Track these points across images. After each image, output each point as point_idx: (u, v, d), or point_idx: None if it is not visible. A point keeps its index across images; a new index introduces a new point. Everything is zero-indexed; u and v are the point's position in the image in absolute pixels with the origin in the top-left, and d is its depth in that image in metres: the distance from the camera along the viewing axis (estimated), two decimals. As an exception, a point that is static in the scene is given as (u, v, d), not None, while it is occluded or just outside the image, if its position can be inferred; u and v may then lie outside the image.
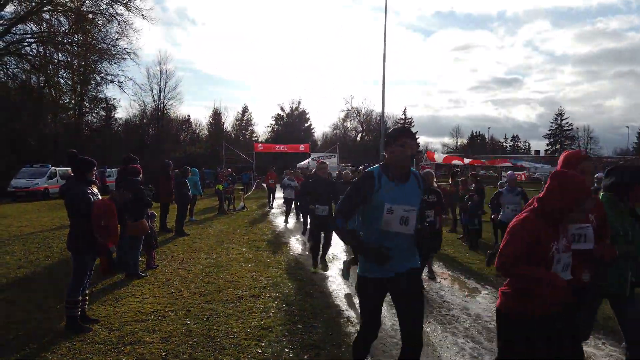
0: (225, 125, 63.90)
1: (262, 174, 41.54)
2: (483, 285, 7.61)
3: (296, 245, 11.09)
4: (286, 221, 15.02)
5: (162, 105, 52.53)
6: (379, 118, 58.94)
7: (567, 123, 73.57)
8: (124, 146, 38.45)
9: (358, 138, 70.97)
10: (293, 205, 15.83)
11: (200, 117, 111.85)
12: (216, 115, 62.65)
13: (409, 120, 74.32)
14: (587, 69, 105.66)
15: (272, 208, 19.82)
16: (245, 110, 68.50)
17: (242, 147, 47.02)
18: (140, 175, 7.79)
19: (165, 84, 52.46)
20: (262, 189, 35.76)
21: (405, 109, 75.97)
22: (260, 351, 4.58)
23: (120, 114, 70.01)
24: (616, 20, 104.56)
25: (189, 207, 13.72)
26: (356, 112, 70.71)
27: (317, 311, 5.87)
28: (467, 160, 30.78)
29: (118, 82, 35.86)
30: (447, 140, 79.09)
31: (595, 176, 10.96)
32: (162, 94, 52.28)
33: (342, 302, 6.37)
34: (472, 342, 5.01)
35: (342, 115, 71.87)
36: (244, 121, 68.41)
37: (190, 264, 8.57)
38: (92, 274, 5.51)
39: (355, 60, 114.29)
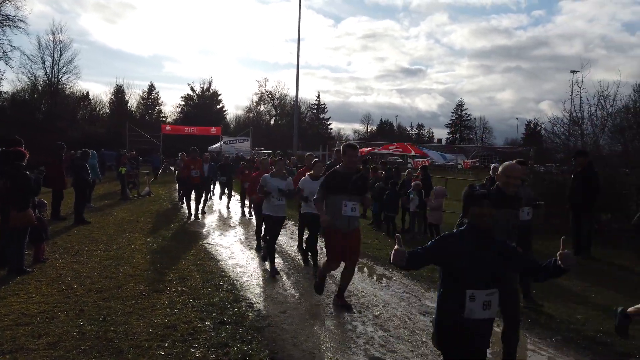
0: (129, 104, 59.88)
1: (170, 157, 39.67)
2: (391, 271, 7.84)
3: (206, 234, 10.65)
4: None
5: (56, 79, 47.85)
6: (293, 102, 58.84)
7: (466, 113, 78.92)
8: (11, 124, 34.46)
9: (272, 122, 70.34)
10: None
11: (101, 94, 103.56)
12: (119, 92, 58.37)
13: (322, 106, 75.10)
14: (482, 63, 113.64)
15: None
16: (151, 88, 64.58)
17: (147, 128, 44.37)
18: (26, 160, 6.93)
19: (60, 56, 47.75)
20: (170, 172, 34.17)
21: (318, 95, 76.12)
22: (163, 353, 4.27)
23: (6, 87, 62.54)
24: (508, 19, 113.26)
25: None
26: (270, 95, 69.91)
27: (226, 305, 5.63)
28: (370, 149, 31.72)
29: (3, 51, 31.92)
30: (358, 126, 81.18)
31: (491, 166, 11.76)
32: (56, 67, 47.56)
33: (253, 295, 6.19)
34: (381, 331, 5.10)
35: (256, 98, 70.51)
36: (150, 100, 64.55)
37: (86, 256, 7.85)
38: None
39: (269, 42, 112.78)
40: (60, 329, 4.72)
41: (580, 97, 12.13)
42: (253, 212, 10.88)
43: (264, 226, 8.00)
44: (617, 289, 6.85)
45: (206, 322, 5.04)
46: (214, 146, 38.23)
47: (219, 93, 65.84)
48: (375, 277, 7.48)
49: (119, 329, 4.76)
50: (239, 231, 11.21)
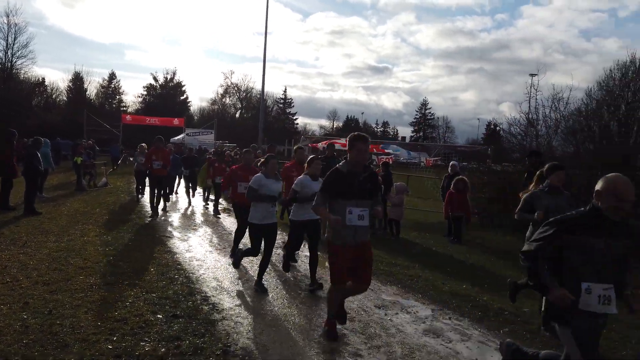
0: (88, 92, 57.83)
1: (130, 147, 38.57)
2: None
3: (164, 227, 10.42)
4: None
5: (9, 64, 45.66)
6: (259, 96, 58.31)
7: (429, 113, 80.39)
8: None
9: (237, 115, 69.50)
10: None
11: (58, 80, 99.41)
12: (77, 79, 56.27)
13: (289, 101, 74.83)
14: (447, 64, 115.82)
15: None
16: (112, 77, 62.57)
17: (107, 118, 42.99)
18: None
19: (14, 40, 45.61)
20: (130, 163, 33.28)
21: (285, 89, 75.86)
22: (110, 346, 4.15)
23: (-46, 70, 59.15)
24: (472, 21, 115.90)
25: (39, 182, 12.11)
26: (236, 88, 69.03)
27: (180, 299, 5.53)
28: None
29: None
30: (324, 122, 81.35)
31: (451, 163, 12.04)
32: (10, 52, 45.41)
33: (209, 288, 6.10)
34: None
35: (221, 90, 69.44)
36: (110, 89, 62.58)
37: (35, 247, 7.53)
38: None
39: (236, 34, 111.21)
40: (1, 322, 4.52)
41: (536, 99, 12.58)
42: (234, 212, 8.33)
43: (246, 232, 6.87)
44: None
45: (158, 316, 4.94)
46: (176, 138, 37.41)
47: (183, 84, 64.53)
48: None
49: (65, 322, 4.59)
50: (198, 225, 11.03)
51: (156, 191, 11.81)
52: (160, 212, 12.09)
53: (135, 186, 15.29)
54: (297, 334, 4.79)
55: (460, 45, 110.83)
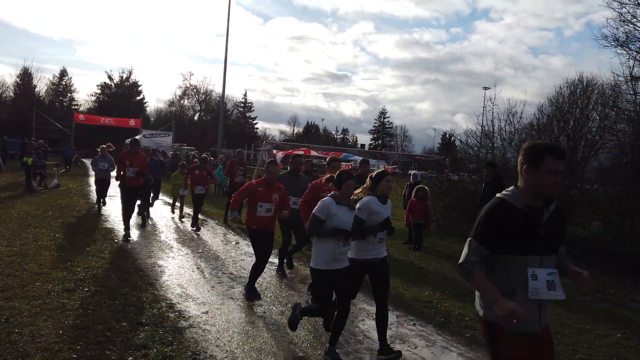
0: (37, 89, 55.33)
1: (83, 148, 37.12)
2: (314, 272, 7.96)
3: (123, 232, 10.10)
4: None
5: (-50, 55, 42.95)
6: (218, 98, 57.55)
7: (388, 121, 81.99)
8: None
9: (196, 117, 68.33)
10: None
11: (5, 75, 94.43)
12: (26, 75, 53.74)
13: (249, 104, 74.31)
14: (404, 74, 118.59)
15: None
16: (63, 74, 60.22)
17: (58, 116, 41.22)
18: None
19: (-43, 30, 42.97)
20: (82, 164, 32.04)
21: (245, 93, 75.18)
22: (75, 355, 4.01)
23: None
24: (429, 33, 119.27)
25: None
26: (195, 90, 67.89)
27: (145, 306, 5.41)
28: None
29: None
30: (284, 127, 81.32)
31: (411, 173, 12.35)
32: (-49, 42, 42.72)
33: (174, 295, 5.99)
34: (304, 330, 5.16)
35: (180, 92, 68.11)
36: (61, 86, 60.13)
37: (-15, 252, 7.14)
38: None
39: (195, 34, 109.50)
40: (-47, 332, 4.27)
41: (492, 112, 13.13)
42: (251, 242, 6.50)
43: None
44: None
45: (123, 323, 4.81)
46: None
47: (139, 83, 62.99)
48: (299, 278, 7.54)
49: (24, 330, 4.40)
50: (159, 231, 10.78)
51: (130, 206, 9.57)
52: (135, 232, 9.81)
53: (97, 198, 13.04)
54: (267, 341, 4.79)
55: (417, 57, 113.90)
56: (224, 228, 11.70)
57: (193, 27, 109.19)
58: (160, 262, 7.62)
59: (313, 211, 4.51)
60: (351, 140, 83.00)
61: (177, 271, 7.20)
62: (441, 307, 6.38)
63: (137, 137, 38.36)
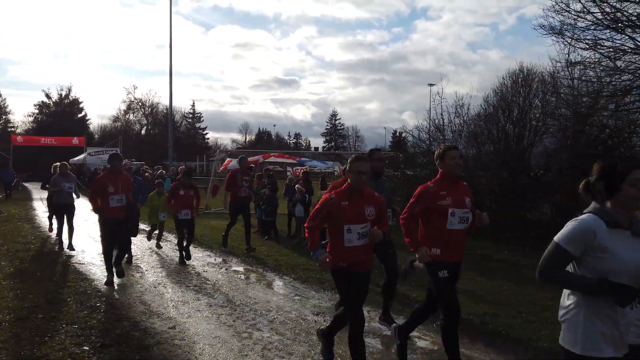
0: (-32, 112, 51.94)
1: (23, 171, 35.17)
2: (281, 276, 7.86)
3: (74, 254, 9.58)
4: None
5: None
6: (165, 111, 56.10)
7: (339, 123, 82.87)
8: None
9: (143, 132, 66.29)
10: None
11: None
12: (-46, 98, 50.39)
13: (198, 115, 72.96)
14: (350, 75, 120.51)
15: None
16: (-4, 94, 56.81)
17: (-7, 139, 38.92)
18: None
19: None
20: (23, 188, 30.32)
21: (193, 103, 73.92)
22: (34, 387, 3.73)
23: None
24: (371, 34, 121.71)
25: None
26: (140, 103, 65.86)
27: (107, 327, 5.13)
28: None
29: None
30: (236, 136, 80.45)
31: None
32: None
33: (136, 313, 5.72)
34: (277, 335, 5.06)
35: (124, 106, 65.84)
36: (-5, 108, 56.71)
37: None
38: None
39: (135, 47, 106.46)
40: None
41: (441, 106, 13.49)
42: (336, 284, 4.20)
43: None
44: (482, 274, 7.67)
45: (85, 347, 4.53)
46: (76, 158, 34.86)
47: (80, 100, 60.36)
48: (265, 283, 7.42)
49: (-26, 367, 4.06)
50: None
51: (113, 244, 7.23)
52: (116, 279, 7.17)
53: (57, 228, 10.10)
54: (239, 351, 4.65)
55: (361, 58, 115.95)
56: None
57: (131, 40, 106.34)
58: (118, 281, 7.27)
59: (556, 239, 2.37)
60: (304, 144, 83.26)
61: (138, 289, 6.90)
62: (410, 298, 6.45)
63: (80, 156, 36.70)
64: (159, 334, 4.99)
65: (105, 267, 7.23)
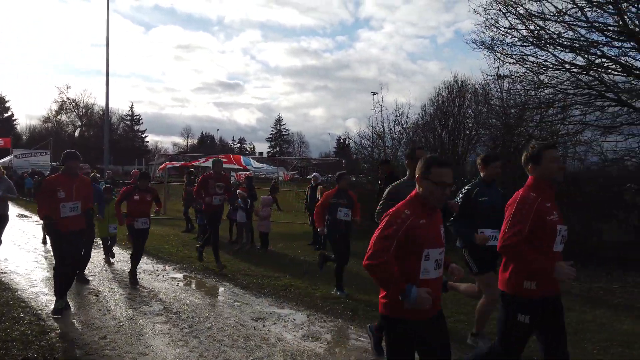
0: None
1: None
2: (221, 282, 7.74)
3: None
4: None
5: None
6: (101, 112, 53.68)
7: (284, 128, 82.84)
8: None
9: (77, 133, 63.02)
10: None
11: None
12: None
13: (137, 117, 70.39)
14: (296, 81, 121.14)
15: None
16: None
17: None
18: None
19: None
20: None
21: (132, 105, 71.04)
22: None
23: None
24: (316, 42, 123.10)
25: None
26: (74, 104, 62.62)
27: (30, 339, 4.81)
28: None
29: None
30: (178, 139, 78.33)
31: (313, 175, 12.56)
32: None
33: (64, 324, 5.43)
34: (215, 342, 4.98)
35: (56, 107, 62.34)
36: None
37: None
38: None
39: (70, 45, 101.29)
40: None
41: (382, 114, 13.87)
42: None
43: None
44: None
45: (5, 362, 4.25)
46: (1, 160, 32.56)
47: (6, 99, 56.61)
48: (205, 290, 7.28)
49: None
50: (39, 254, 9.72)
51: (69, 262, 5.86)
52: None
53: None
54: (175, 358, 4.53)
55: (306, 64, 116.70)
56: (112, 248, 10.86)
57: (64, 37, 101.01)
58: (45, 291, 6.87)
59: None
60: (249, 149, 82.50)
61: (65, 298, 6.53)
62: (349, 302, 6.55)
63: (5, 158, 34.29)
64: (88, 345, 4.77)
65: (53, 289, 5.99)
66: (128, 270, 7.63)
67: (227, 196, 8.91)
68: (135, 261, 7.49)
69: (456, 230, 4.75)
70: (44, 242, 10.72)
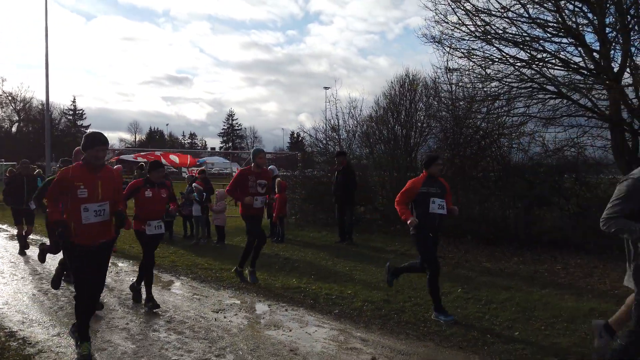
0: None
1: None
2: (178, 276, 7.61)
3: None
4: None
5: None
6: (41, 107, 50.85)
7: (237, 123, 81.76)
8: None
9: (14, 129, 59.42)
10: None
11: None
12: None
13: (80, 112, 67.30)
14: (247, 76, 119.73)
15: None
16: None
17: None
18: None
19: None
20: None
21: (74, 99, 67.69)
22: None
23: None
24: (267, 35, 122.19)
25: None
26: (10, 97, 58.93)
27: (-23, 340, 4.58)
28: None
29: None
30: (125, 135, 75.54)
31: (269, 167, 12.51)
32: None
33: (13, 323, 5.18)
34: (175, 334, 4.92)
35: (-10, 101, 58.40)
36: None
37: None
38: None
39: (6, 36, 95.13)
40: None
41: (336, 107, 13.98)
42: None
43: None
44: (375, 265, 8.12)
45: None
46: None
47: None
48: (161, 285, 7.13)
49: None
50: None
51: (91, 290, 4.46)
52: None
53: None
54: (134, 352, 4.44)
55: (257, 58, 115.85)
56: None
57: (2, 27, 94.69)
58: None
59: None
60: (200, 145, 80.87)
61: (13, 297, 6.24)
62: (309, 290, 6.62)
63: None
64: (41, 342, 4.59)
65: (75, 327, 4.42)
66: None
67: (267, 198, 7.58)
68: (149, 279, 5.94)
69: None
70: (22, 253, 9.27)
